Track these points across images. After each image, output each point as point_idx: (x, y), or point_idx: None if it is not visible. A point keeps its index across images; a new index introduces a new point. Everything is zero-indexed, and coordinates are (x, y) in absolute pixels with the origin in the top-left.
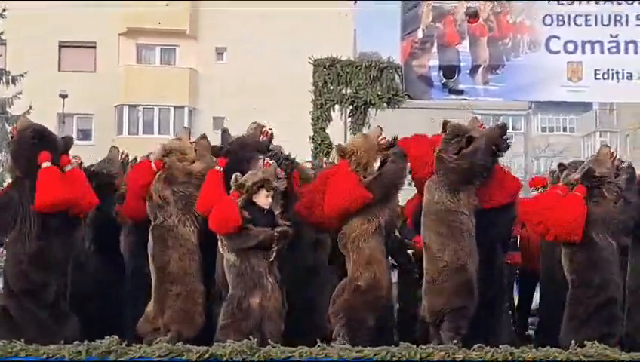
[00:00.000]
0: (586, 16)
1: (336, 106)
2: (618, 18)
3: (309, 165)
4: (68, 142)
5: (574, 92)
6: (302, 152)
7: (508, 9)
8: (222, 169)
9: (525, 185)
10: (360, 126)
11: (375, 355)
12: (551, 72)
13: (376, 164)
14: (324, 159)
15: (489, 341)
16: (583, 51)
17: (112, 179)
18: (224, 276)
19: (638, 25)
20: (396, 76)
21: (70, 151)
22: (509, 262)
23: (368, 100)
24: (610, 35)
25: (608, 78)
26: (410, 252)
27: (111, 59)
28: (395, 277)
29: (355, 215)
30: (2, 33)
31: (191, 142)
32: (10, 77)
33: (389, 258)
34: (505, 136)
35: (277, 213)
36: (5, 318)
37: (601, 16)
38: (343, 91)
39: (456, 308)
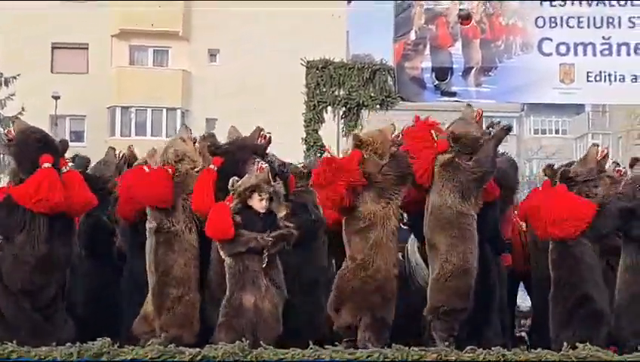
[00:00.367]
0: (579, 18)
1: (329, 108)
2: (610, 20)
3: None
4: (65, 145)
5: (567, 94)
6: (294, 154)
7: (500, 11)
8: (216, 168)
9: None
10: (353, 128)
11: (368, 357)
12: (543, 74)
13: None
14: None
15: (480, 342)
16: (576, 53)
17: (104, 183)
18: (217, 278)
19: (630, 27)
20: (389, 78)
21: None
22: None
23: (361, 102)
24: (603, 37)
25: (601, 80)
26: None
27: (103, 60)
28: None
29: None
30: None
31: (193, 141)
32: (2, 78)
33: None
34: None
35: (281, 215)
36: None
37: (594, 18)
38: (336, 93)
39: (455, 308)
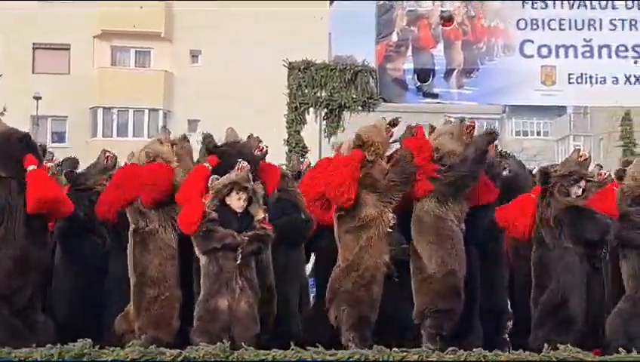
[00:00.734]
0: (560, 20)
1: (311, 109)
2: (592, 22)
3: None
4: (44, 148)
5: (548, 96)
6: (276, 155)
7: (482, 13)
8: (211, 167)
9: None
10: (335, 129)
11: (349, 358)
12: (525, 76)
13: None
14: (301, 159)
15: (461, 344)
16: (557, 55)
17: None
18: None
19: (611, 29)
20: (371, 79)
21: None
22: None
23: (343, 103)
24: (584, 40)
25: (582, 81)
26: None
27: (85, 61)
28: None
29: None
30: None
31: (171, 143)
32: None
33: None
34: (492, 142)
35: (259, 217)
36: None
37: (575, 20)
38: (318, 94)
39: (442, 309)
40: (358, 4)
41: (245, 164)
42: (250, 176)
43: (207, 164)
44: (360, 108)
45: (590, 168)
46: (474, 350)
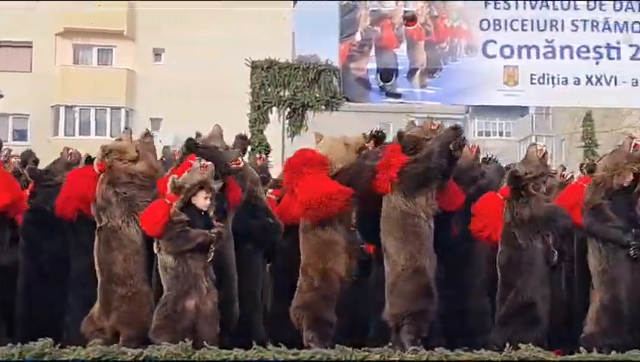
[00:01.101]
0: (522, 20)
1: (274, 108)
2: (554, 23)
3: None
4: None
5: (510, 96)
6: None
7: (445, 13)
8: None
9: None
10: (298, 128)
11: (311, 357)
12: (487, 76)
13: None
14: (264, 157)
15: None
16: (519, 56)
17: (52, 179)
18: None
19: (573, 30)
20: (334, 79)
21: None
22: None
23: (306, 103)
24: (546, 40)
25: (544, 82)
26: None
27: (47, 59)
28: None
29: None
30: None
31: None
32: None
33: None
34: (460, 137)
35: (211, 213)
36: None
37: (537, 21)
38: (281, 93)
39: (417, 311)
40: (321, 4)
41: (207, 162)
42: (213, 174)
43: (192, 161)
44: (323, 107)
45: (553, 167)
46: (436, 349)
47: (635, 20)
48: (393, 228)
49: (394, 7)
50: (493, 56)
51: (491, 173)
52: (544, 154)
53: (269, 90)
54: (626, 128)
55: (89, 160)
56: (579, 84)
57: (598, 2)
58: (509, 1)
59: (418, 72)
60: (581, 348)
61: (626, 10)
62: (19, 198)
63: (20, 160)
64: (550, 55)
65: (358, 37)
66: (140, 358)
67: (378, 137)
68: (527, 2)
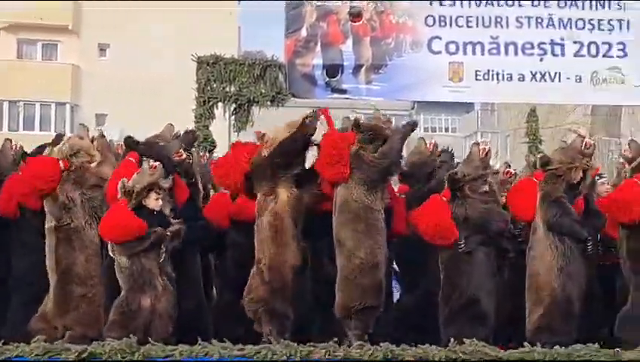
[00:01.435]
0: (467, 17)
1: (220, 104)
2: (499, 20)
3: None
4: None
5: (456, 92)
6: None
7: (390, 9)
8: (136, 161)
9: None
10: (244, 124)
11: (256, 353)
12: (433, 72)
13: None
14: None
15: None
16: (465, 52)
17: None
18: None
19: (517, 27)
20: (280, 75)
21: None
22: None
23: (252, 98)
24: (491, 37)
25: (489, 78)
26: None
27: None
28: None
29: None
30: None
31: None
32: None
33: None
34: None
35: (167, 212)
36: None
37: (482, 17)
38: (227, 89)
39: (368, 306)
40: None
41: (156, 163)
42: (162, 173)
43: (132, 159)
44: (269, 103)
45: (497, 165)
46: (381, 345)
47: (579, 17)
48: (353, 221)
49: (340, 3)
50: (439, 53)
51: (442, 172)
52: (487, 153)
53: (215, 85)
54: (570, 124)
55: (24, 155)
56: (523, 80)
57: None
58: None
59: (364, 68)
60: (525, 343)
61: (569, 7)
62: None
63: None
64: (495, 51)
65: (303, 33)
66: (84, 355)
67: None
68: None
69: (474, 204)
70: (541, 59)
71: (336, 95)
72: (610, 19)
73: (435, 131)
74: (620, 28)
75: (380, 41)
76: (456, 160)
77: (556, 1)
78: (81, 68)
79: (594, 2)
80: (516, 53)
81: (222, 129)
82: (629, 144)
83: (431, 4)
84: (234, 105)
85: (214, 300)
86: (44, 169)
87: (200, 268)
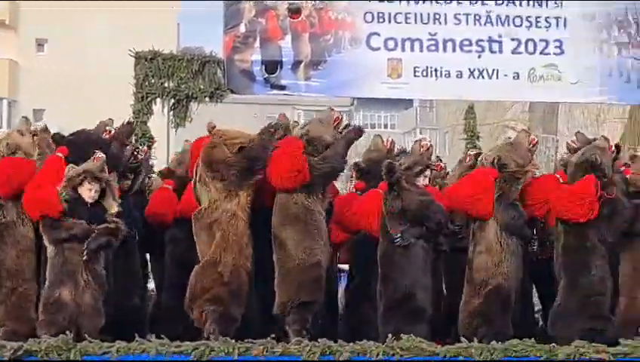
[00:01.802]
0: (406, 14)
1: (158, 100)
2: (437, 16)
3: None
4: None
5: (394, 89)
6: None
7: (329, 5)
8: (63, 156)
9: None
10: (182, 120)
11: (193, 349)
12: (371, 69)
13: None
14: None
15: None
16: (403, 49)
17: None
18: None
19: (456, 23)
20: (218, 70)
21: None
22: None
23: (190, 94)
24: (429, 33)
25: (427, 75)
26: None
27: None
28: None
29: None
30: None
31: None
32: None
33: None
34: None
35: (112, 211)
36: None
37: (421, 14)
38: (165, 85)
39: (305, 301)
40: None
41: (101, 155)
42: (106, 167)
43: (59, 154)
44: (207, 99)
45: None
46: (319, 340)
47: (517, 14)
48: (293, 221)
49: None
50: (377, 49)
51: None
52: (428, 148)
53: (153, 81)
54: (508, 121)
55: None
56: (461, 77)
57: None
58: None
59: (302, 64)
60: (462, 338)
61: (507, 5)
62: None
63: None
64: (433, 48)
65: (242, 29)
66: (20, 352)
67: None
68: None
69: (410, 195)
70: (479, 56)
71: (275, 91)
72: (548, 17)
73: (374, 128)
74: (557, 25)
75: (318, 37)
76: None
77: None
78: (19, 63)
79: (531, 0)
80: (454, 50)
81: (160, 125)
82: (575, 135)
83: (370, 0)
84: (172, 101)
85: (153, 297)
86: None
87: (139, 263)
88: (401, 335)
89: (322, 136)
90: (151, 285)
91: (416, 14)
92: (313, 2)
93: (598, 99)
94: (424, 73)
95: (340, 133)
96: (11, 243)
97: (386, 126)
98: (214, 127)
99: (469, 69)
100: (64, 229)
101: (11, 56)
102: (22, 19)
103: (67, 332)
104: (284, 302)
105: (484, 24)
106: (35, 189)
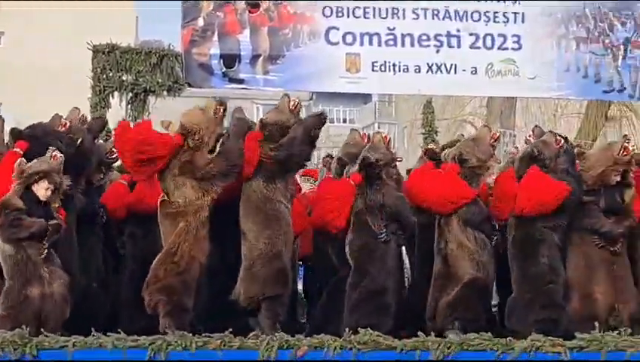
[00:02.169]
0: (365, 8)
1: (116, 93)
2: (395, 11)
3: None
4: None
5: (353, 83)
6: None
7: (288, 1)
8: (22, 151)
9: None
10: (140, 113)
11: (151, 343)
12: (330, 63)
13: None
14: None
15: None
16: (362, 43)
17: None
18: None
19: (414, 18)
20: (177, 64)
21: None
22: None
23: (148, 88)
24: (388, 28)
25: (385, 70)
26: None
27: None
28: None
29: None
30: None
31: None
32: None
33: None
34: (322, 124)
35: (55, 205)
36: None
37: (379, 8)
38: (123, 78)
39: (272, 295)
40: None
41: (59, 154)
42: (61, 166)
43: (17, 149)
44: (165, 92)
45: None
46: (276, 334)
47: (475, 9)
48: (253, 212)
49: None
50: (336, 44)
51: None
52: (389, 141)
53: (111, 74)
54: (466, 116)
55: None
56: (419, 71)
57: None
58: None
59: (261, 58)
60: (419, 333)
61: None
62: None
63: None
64: (392, 43)
65: (200, 22)
66: None
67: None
68: None
69: (389, 190)
70: (437, 51)
71: (233, 85)
72: (506, 12)
73: (333, 122)
74: (515, 20)
75: (277, 31)
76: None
77: None
78: None
79: None
80: (413, 45)
81: (118, 118)
82: (532, 130)
83: None
84: (130, 95)
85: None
86: None
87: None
88: (359, 329)
89: (277, 121)
90: None
91: (374, 9)
92: None
93: (555, 95)
94: (382, 68)
95: (300, 120)
96: None
97: (345, 120)
98: (170, 123)
99: (428, 64)
100: (24, 229)
101: None
102: None
103: (23, 326)
104: (251, 296)
105: (443, 19)
106: None
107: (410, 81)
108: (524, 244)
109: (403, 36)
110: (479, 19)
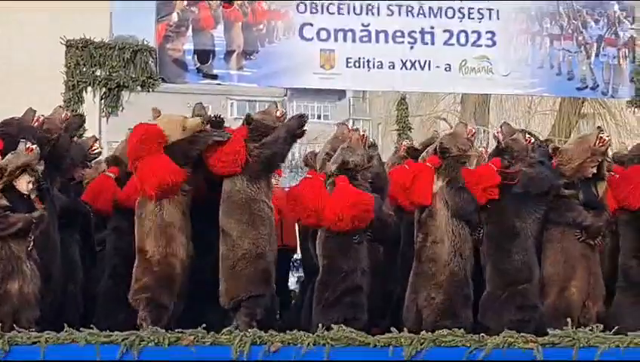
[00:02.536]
0: (339, 4)
1: (89, 88)
2: (370, 7)
3: None
4: None
5: (327, 79)
6: None
7: None
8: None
9: None
10: (113, 109)
11: (123, 340)
12: (304, 59)
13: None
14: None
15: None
16: (336, 39)
17: None
18: None
19: (389, 15)
20: (150, 59)
21: None
22: None
23: (122, 83)
24: (362, 24)
25: (360, 66)
26: None
27: None
28: None
29: None
30: None
31: None
32: None
33: None
34: (303, 125)
35: (33, 196)
36: None
37: (354, 5)
38: (97, 73)
39: (254, 295)
40: None
41: (34, 146)
42: (39, 157)
43: None
44: (139, 88)
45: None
46: (249, 331)
47: (449, 6)
48: (237, 211)
49: None
50: (310, 40)
51: (376, 166)
52: (366, 140)
53: (84, 69)
54: (441, 112)
55: None
56: (394, 68)
57: None
58: None
59: (235, 54)
60: (392, 328)
61: None
62: None
63: None
64: (366, 39)
65: (174, 17)
66: None
67: (215, 123)
68: None
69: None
70: (411, 48)
71: (207, 80)
72: (480, 8)
73: (308, 118)
74: (490, 17)
75: (251, 26)
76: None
77: None
78: None
79: None
80: (387, 42)
81: (91, 114)
82: (501, 126)
83: None
84: (103, 90)
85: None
86: None
87: (78, 254)
88: (333, 325)
89: (262, 120)
90: None
91: (349, 5)
92: None
93: (529, 91)
94: (357, 64)
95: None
96: None
97: (319, 116)
98: (159, 113)
99: (402, 61)
100: (11, 225)
101: None
102: None
103: (8, 323)
104: (233, 296)
105: (417, 15)
106: None
107: (384, 78)
108: (495, 239)
109: (377, 33)
110: (453, 16)
